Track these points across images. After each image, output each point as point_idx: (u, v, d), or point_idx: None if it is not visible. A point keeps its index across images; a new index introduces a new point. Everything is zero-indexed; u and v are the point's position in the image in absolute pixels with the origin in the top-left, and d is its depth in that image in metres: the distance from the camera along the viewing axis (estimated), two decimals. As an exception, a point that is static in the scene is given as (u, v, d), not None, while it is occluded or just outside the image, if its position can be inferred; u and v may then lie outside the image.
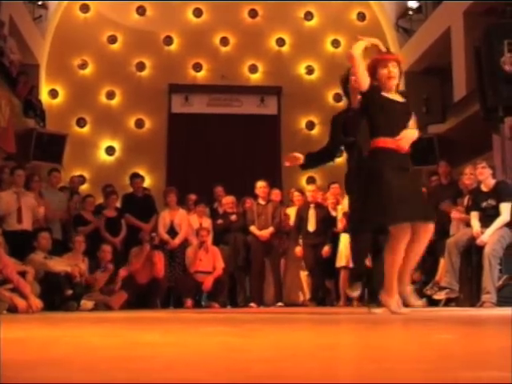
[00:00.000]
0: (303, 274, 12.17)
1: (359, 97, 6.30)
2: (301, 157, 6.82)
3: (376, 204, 5.76)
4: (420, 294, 9.36)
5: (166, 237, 11.77)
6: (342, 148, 7.04)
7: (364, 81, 5.94)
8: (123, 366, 1.73)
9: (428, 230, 5.97)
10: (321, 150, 7.02)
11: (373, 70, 6.19)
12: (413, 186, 6.17)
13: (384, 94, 6.06)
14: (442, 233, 9.74)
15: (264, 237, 11.66)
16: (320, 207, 11.80)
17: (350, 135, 6.63)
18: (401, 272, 5.93)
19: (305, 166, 7.13)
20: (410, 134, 6.00)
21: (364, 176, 6.05)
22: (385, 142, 5.84)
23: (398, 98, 6.20)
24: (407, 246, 5.88)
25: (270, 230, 11.70)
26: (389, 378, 1.43)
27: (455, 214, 9.75)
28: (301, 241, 11.77)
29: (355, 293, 7.60)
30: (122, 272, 10.71)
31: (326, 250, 11.34)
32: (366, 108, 6.13)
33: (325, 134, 18.46)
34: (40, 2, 17.49)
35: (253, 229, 11.72)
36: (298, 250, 11.79)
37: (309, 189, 12.94)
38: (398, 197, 5.66)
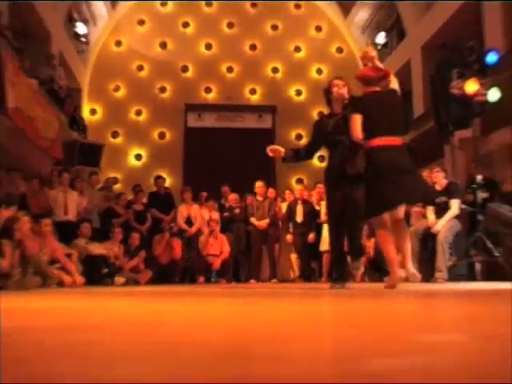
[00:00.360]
0: (293, 257, 12.19)
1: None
2: (282, 150, 6.65)
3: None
4: (386, 272, 9.36)
5: (184, 226, 11.78)
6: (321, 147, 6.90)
7: None
8: (148, 331, 1.74)
9: (394, 215, 5.65)
10: (301, 148, 6.85)
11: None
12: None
13: None
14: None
15: (261, 226, 11.67)
16: (306, 203, 11.80)
17: (337, 135, 6.31)
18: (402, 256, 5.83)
19: (285, 160, 6.80)
20: None
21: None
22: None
23: None
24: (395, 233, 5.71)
25: (267, 221, 11.71)
26: (360, 340, 1.44)
27: (415, 208, 9.75)
28: (291, 230, 11.80)
29: (359, 271, 7.40)
30: (142, 254, 10.74)
31: (311, 237, 11.35)
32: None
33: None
34: (83, 39, 17.59)
35: (252, 220, 11.72)
36: (289, 237, 11.81)
37: (297, 188, 13.00)
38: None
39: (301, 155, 6.75)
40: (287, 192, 12.65)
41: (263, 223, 11.66)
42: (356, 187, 6.10)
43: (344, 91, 6.35)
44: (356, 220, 6.35)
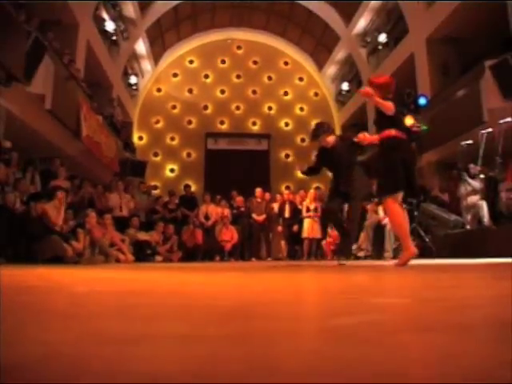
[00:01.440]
0: (282, 243, 12.20)
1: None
2: (305, 166, 6.28)
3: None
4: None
5: (203, 220, 11.79)
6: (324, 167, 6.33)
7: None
8: (177, 295, 1.73)
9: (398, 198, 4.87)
10: (311, 166, 6.25)
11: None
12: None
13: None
14: (362, 218, 9.75)
15: (260, 220, 11.67)
16: (292, 203, 11.81)
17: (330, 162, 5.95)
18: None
19: (304, 173, 6.36)
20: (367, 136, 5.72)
21: None
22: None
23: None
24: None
25: (264, 216, 11.71)
26: (330, 303, 1.43)
27: (370, 207, 9.75)
28: (281, 223, 11.80)
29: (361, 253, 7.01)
30: (174, 239, 10.74)
31: (295, 228, 11.36)
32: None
33: (294, 162, 18.50)
34: (134, 87, 17.80)
35: (254, 216, 11.73)
36: (279, 228, 11.82)
37: (285, 192, 13.04)
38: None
39: (312, 171, 6.26)
40: (278, 196, 12.68)
41: (261, 218, 11.68)
42: (349, 201, 5.83)
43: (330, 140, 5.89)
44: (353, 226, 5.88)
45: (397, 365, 0.59)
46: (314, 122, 19.30)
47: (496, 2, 9.76)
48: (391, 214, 4.90)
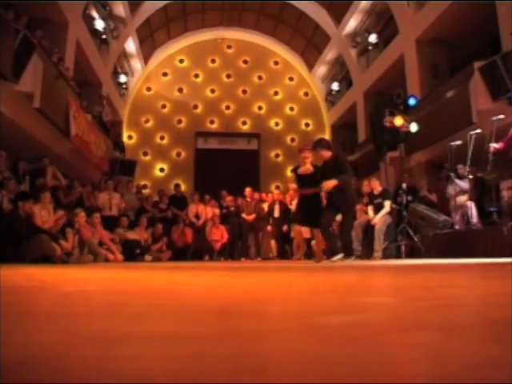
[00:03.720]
0: (272, 242, 12.16)
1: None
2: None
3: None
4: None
5: (193, 220, 11.74)
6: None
7: None
8: (165, 294, 1.72)
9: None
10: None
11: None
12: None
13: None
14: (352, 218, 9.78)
15: (249, 220, 11.63)
16: (282, 203, 11.78)
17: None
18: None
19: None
20: (328, 183, 6.25)
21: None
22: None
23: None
24: None
25: (253, 216, 11.68)
26: (318, 302, 1.43)
27: (360, 207, 9.78)
28: (271, 222, 11.77)
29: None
30: (164, 239, 10.71)
31: (285, 227, 11.33)
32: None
33: (284, 162, 18.56)
34: (124, 86, 17.77)
35: (243, 215, 11.68)
36: (269, 227, 11.79)
37: (275, 192, 13.04)
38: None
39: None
40: (268, 195, 12.64)
41: (251, 218, 11.63)
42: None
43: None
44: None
45: (384, 364, 0.59)
46: (304, 122, 19.55)
47: (485, 2, 9.83)
48: None
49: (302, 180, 6.78)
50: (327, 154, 6.62)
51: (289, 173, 6.97)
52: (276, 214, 11.60)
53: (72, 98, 10.48)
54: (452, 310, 1.12)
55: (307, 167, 6.74)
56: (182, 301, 1.42)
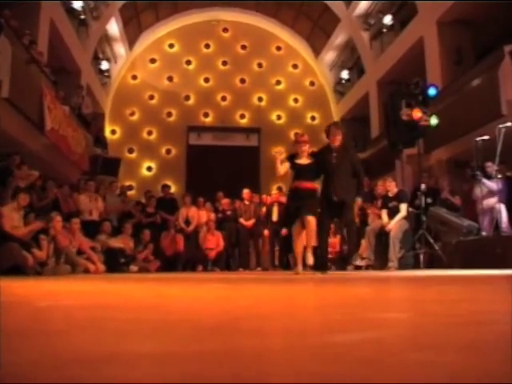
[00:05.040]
0: (275, 250, 12.03)
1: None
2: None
3: None
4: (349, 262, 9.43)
5: (182, 225, 11.64)
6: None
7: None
8: (152, 310, 1.73)
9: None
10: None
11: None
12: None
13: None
14: (364, 223, 9.79)
15: (248, 225, 11.62)
16: (281, 204, 11.56)
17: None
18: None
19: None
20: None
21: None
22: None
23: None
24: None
25: (253, 220, 11.66)
26: (325, 318, 1.44)
27: (372, 211, 9.78)
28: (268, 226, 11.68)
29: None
30: (150, 246, 10.69)
31: (284, 231, 11.10)
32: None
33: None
34: (106, 74, 17.76)
35: (241, 220, 11.67)
36: (266, 232, 11.61)
37: (273, 193, 12.95)
38: None
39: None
40: (266, 196, 12.63)
41: (249, 223, 11.63)
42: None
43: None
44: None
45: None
46: (309, 115, 19.53)
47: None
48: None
49: (300, 171, 6.91)
50: (340, 139, 6.86)
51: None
52: (274, 217, 11.47)
53: (46, 87, 10.47)
54: (473, 327, 1.13)
55: (306, 159, 6.91)
56: (173, 316, 1.43)
